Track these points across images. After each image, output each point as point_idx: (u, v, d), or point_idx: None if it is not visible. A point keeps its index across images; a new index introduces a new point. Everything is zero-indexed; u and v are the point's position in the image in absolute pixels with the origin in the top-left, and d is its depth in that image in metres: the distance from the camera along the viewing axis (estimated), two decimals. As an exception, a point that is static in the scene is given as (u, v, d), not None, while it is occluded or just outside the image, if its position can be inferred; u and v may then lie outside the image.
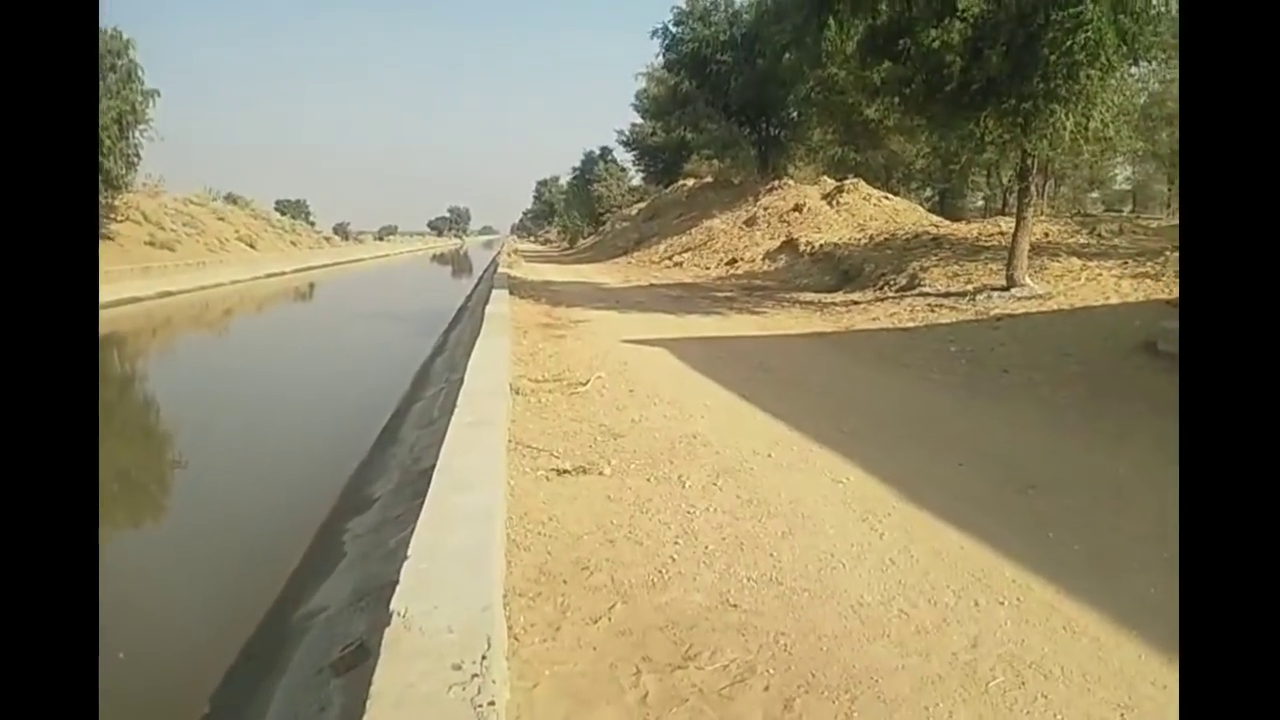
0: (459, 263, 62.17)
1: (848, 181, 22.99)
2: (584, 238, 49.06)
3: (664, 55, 28.49)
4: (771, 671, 2.54)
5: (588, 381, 6.92)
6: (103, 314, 22.25)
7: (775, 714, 2.34)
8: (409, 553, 2.69)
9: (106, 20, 30.32)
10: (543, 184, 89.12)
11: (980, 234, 14.86)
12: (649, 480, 4.44)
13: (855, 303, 12.50)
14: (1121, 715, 2.36)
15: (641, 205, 42.52)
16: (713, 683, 2.48)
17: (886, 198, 22.37)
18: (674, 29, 27.29)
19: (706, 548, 3.53)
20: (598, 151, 55.97)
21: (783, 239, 20.04)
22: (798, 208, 21.71)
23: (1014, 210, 13.27)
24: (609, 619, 2.87)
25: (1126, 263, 11.08)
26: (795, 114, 27.43)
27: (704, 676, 2.51)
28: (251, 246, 46.41)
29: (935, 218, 20.46)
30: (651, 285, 18.06)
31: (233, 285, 33.86)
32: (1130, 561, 3.35)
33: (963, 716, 2.34)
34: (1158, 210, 27.86)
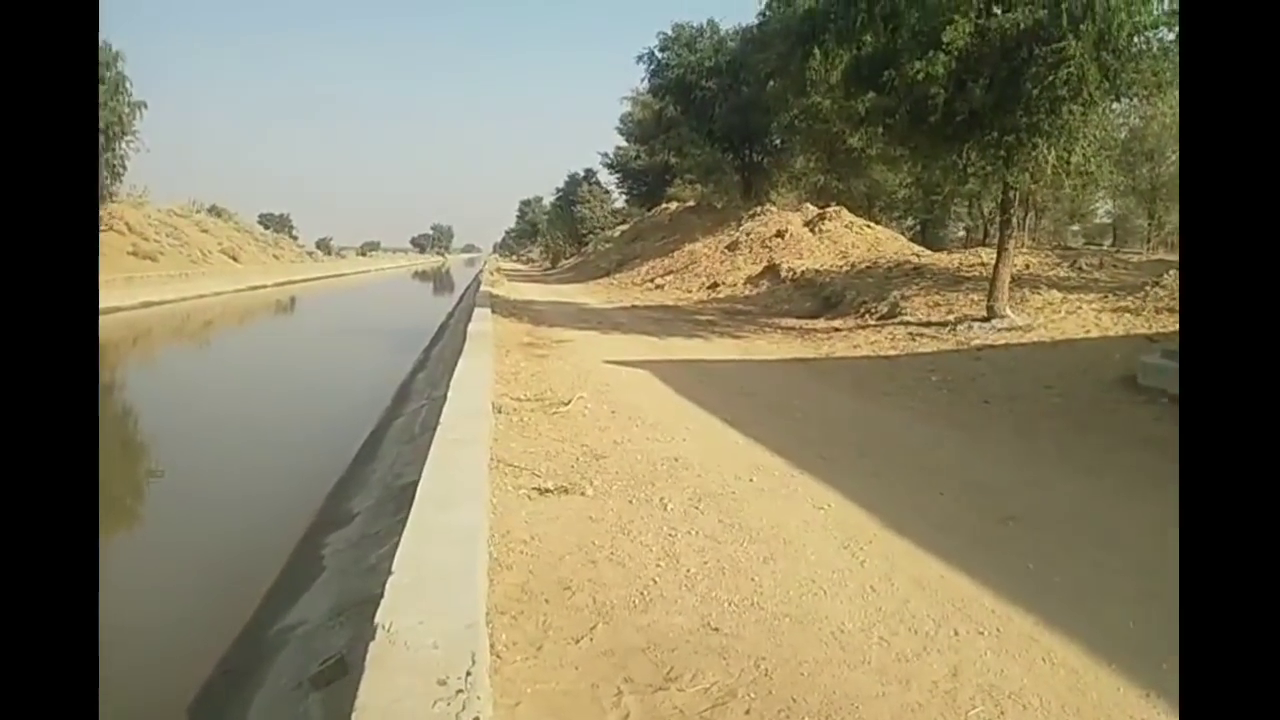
0: (441, 280, 62.05)
1: (830, 209, 23.22)
2: (566, 258, 49.19)
3: (649, 80, 28.91)
4: (752, 696, 2.54)
5: (570, 401, 6.92)
6: (78, 322, 21.97)
7: (757, 738, 2.34)
8: (393, 567, 2.67)
9: (109, 33, 30.28)
10: (526, 204, 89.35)
11: (961, 264, 15.07)
12: (631, 502, 4.44)
13: (837, 329, 12.61)
14: (1099, 744, 2.38)
15: (624, 227, 42.73)
16: (694, 705, 2.48)
17: (869, 226, 22.63)
18: (660, 54, 27.69)
19: (688, 571, 3.53)
20: (582, 173, 56.29)
21: (765, 264, 20.21)
22: (780, 234, 21.90)
23: (995, 241, 13.48)
24: (591, 639, 2.87)
25: (1107, 296, 11.26)
26: (779, 141, 27.84)
27: (685, 699, 2.51)
28: (234, 259, 46.09)
29: (917, 247, 20.72)
30: (633, 307, 18.11)
31: (215, 297, 33.54)
32: (1110, 594, 3.39)
33: (943, 743, 2.35)
34: (1138, 245, 28.35)
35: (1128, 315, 10.32)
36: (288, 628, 3.91)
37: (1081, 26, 9.06)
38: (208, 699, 3.57)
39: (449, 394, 6.24)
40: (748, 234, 23.24)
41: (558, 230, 56.58)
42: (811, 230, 21.83)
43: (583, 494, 4.54)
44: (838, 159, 23.57)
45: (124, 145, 30.93)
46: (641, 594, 3.27)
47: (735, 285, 19.92)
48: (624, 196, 49.41)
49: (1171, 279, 10.43)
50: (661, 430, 6.08)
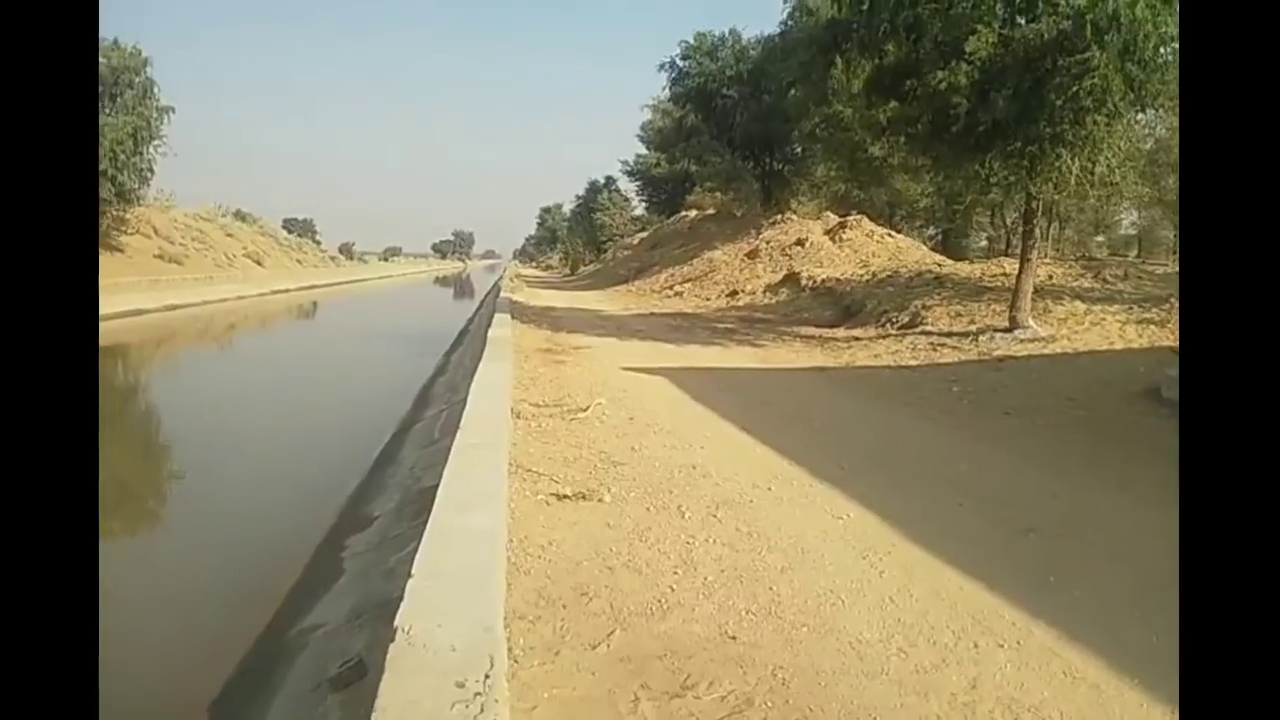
0: (461, 286, 62.38)
1: (851, 217, 23.15)
2: (585, 265, 49.32)
3: (670, 88, 28.89)
4: (770, 704, 2.54)
5: (588, 408, 6.94)
6: (109, 325, 22.35)
7: (774, 747, 2.33)
8: (413, 570, 2.70)
9: (125, 37, 30.85)
10: (546, 211, 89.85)
11: (984, 274, 14.96)
12: (648, 509, 4.44)
13: (857, 339, 12.55)
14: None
15: (644, 234, 42.83)
16: (711, 712, 2.47)
17: (890, 235, 22.54)
18: (681, 63, 27.71)
19: (705, 579, 3.52)
20: (602, 181, 56.56)
21: (784, 272, 20.16)
22: (800, 242, 21.86)
23: (1018, 251, 13.37)
24: (608, 645, 2.87)
25: (1131, 308, 11.14)
26: (799, 149, 27.75)
27: (702, 706, 2.50)
28: (258, 263, 46.69)
29: (938, 256, 20.59)
30: (652, 314, 18.13)
31: (238, 301, 33.94)
32: (1133, 609, 3.34)
33: (961, 756, 2.33)
34: (1163, 256, 28.00)
35: (1152, 327, 10.20)
36: (307, 629, 3.94)
37: (1107, 37, 8.99)
38: (227, 699, 3.61)
39: (469, 399, 6.28)
40: (767, 242, 23.22)
41: (577, 237, 56.78)
42: (832, 239, 21.77)
43: (600, 500, 4.55)
44: (859, 168, 23.46)
45: (151, 149, 31.47)
46: (659, 601, 3.27)
47: (755, 293, 19.89)
48: (644, 204, 49.54)
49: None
50: (679, 438, 6.08)
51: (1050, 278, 13.47)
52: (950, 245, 28.92)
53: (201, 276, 35.78)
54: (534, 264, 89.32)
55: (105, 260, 31.17)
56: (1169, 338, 9.55)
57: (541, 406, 6.98)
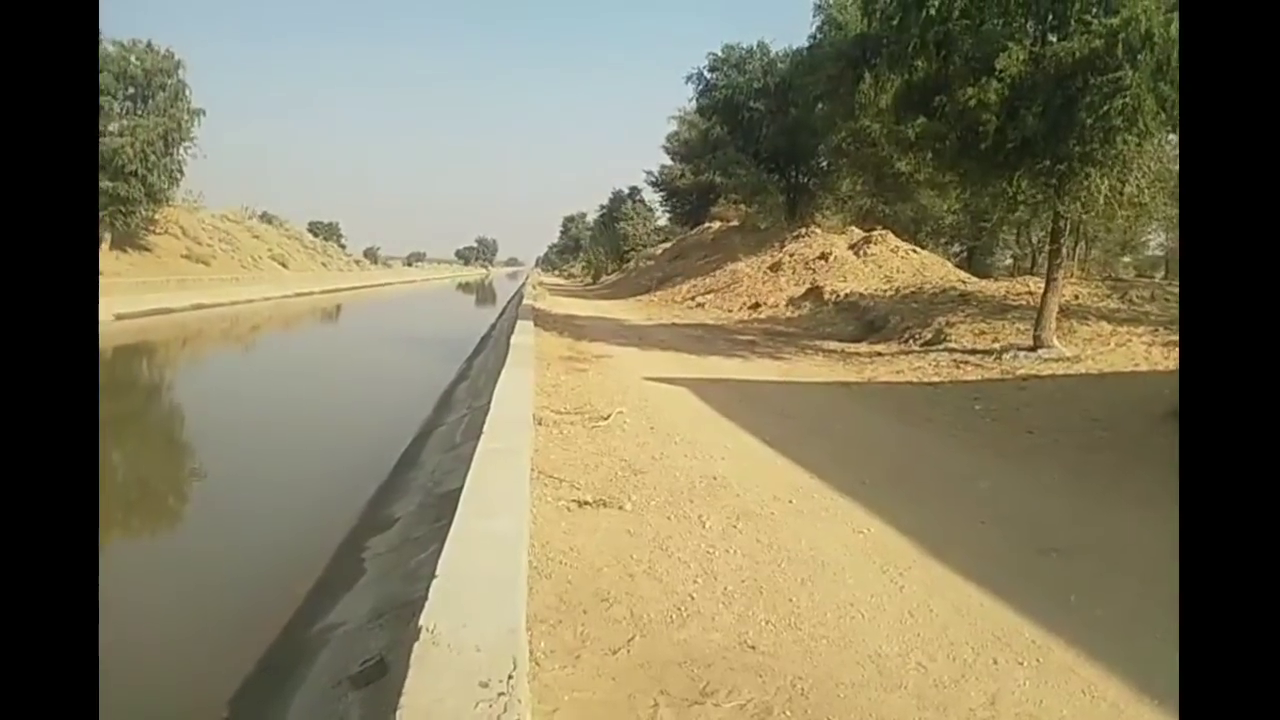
0: (484, 293, 62.80)
1: (875, 232, 23.06)
2: (608, 274, 49.48)
3: (697, 100, 29.04)
4: (789, 714, 2.54)
5: (609, 416, 6.97)
6: (134, 323, 22.72)
7: (792, 757, 2.34)
8: (437, 571, 2.73)
9: (158, 39, 31.43)
10: (570, 220, 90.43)
11: (1009, 292, 14.84)
12: (669, 518, 4.46)
13: (879, 354, 12.50)
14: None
15: (666, 245, 42.89)
16: (730, 721, 2.48)
17: (914, 251, 22.42)
18: (709, 75, 27.84)
19: (725, 589, 3.53)
20: (626, 191, 56.84)
21: (808, 286, 20.12)
22: (824, 256, 21.81)
23: (1043, 270, 13.26)
24: (628, 651, 2.89)
25: (1158, 330, 11.00)
26: (825, 163, 27.72)
27: (721, 714, 2.51)
28: (284, 265, 47.31)
29: (963, 273, 20.47)
30: (674, 324, 18.15)
31: (264, 302, 34.38)
32: (1154, 629, 3.30)
33: (980, 773, 2.32)
34: (1190, 279, 27.52)
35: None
36: (328, 628, 3.99)
37: (1139, 56, 8.93)
38: (249, 695, 3.66)
39: (492, 403, 6.33)
40: (791, 255, 23.19)
41: (600, 246, 57.04)
42: (856, 253, 21.70)
43: (621, 508, 4.57)
44: (885, 183, 23.37)
45: (182, 151, 32.04)
46: (679, 609, 3.29)
47: (777, 306, 19.85)
48: (667, 214, 49.66)
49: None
50: (700, 448, 6.10)
51: (1076, 297, 13.33)
52: (975, 262, 28.76)
53: (228, 277, 36.32)
54: (556, 272, 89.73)
55: (134, 259, 31.78)
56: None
57: (563, 413, 7.02)
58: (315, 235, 65.88)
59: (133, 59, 30.32)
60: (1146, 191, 10.50)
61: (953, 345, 12.07)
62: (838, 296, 18.24)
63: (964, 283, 17.12)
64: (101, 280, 26.58)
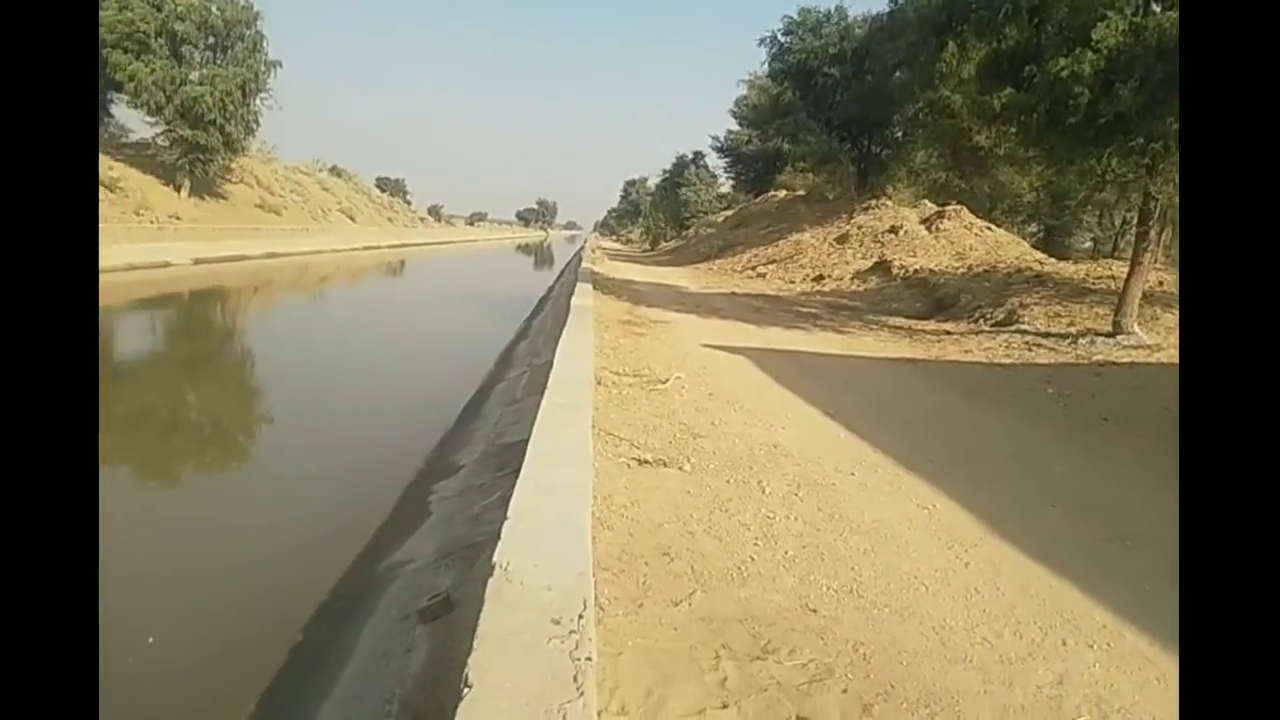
0: (542, 255, 63.18)
1: (949, 208, 22.37)
2: (666, 240, 49.22)
3: (770, 64, 28.33)
4: (850, 677, 2.54)
5: (668, 380, 6.98)
6: (214, 268, 23.54)
7: (853, 716, 2.34)
8: (509, 513, 2.78)
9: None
10: (631, 184, 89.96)
11: (1088, 275, 14.28)
12: (728, 482, 4.46)
13: (948, 332, 12.21)
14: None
15: (729, 213, 42.39)
16: (791, 678, 2.49)
17: (989, 228, 21.70)
18: (783, 38, 27.11)
19: (786, 553, 3.53)
20: (690, 156, 56.13)
21: (875, 260, 19.70)
22: (894, 229, 21.30)
23: (1124, 255, 12.73)
24: (689, 604, 2.92)
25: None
26: (900, 134, 26.87)
27: (783, 671, 2.52)
28: (351, 219, 48.33)
29: (1039, 254, 19.74)
30: (733, 293, 18.00)
31: (332, 254, 35.22)
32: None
33: (1046, 750, 2.29)
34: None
35: (1270, 343, 9.58)
36: (396, 564, 4.12)
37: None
38: (322, 621, 3.81)
39: (555, 360, 6.39)
40: (859, 227, 22.71)
41: (660, 212, 56.64)
42: (928, 228, 21.14)
43: (680, 469, 4.59)
44: (962, 156, 22.51)
45: (258, 102, 32.71)
46: (739, 569, 3.30)
47: (842, 279, 19.51)
48: (730, 182, 49.02)
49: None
50: (760, 416, 6.07)
51: (1160, 284, 12.77)
52: (1053, 243, 27.70)
53: (298, 228, 37.28)
54: (614, 237, 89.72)
55: (211, 206, 32.83)
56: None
57: (622, 375, 7.05)
58: (382, 191, 67.04)
59: (214, 9, 30.94)
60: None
61: (1025, 327, 11.71)
62: (906, 272, 17.83)
63: (1040, 263, 16.51)
64: (179, 225, 27.63)
